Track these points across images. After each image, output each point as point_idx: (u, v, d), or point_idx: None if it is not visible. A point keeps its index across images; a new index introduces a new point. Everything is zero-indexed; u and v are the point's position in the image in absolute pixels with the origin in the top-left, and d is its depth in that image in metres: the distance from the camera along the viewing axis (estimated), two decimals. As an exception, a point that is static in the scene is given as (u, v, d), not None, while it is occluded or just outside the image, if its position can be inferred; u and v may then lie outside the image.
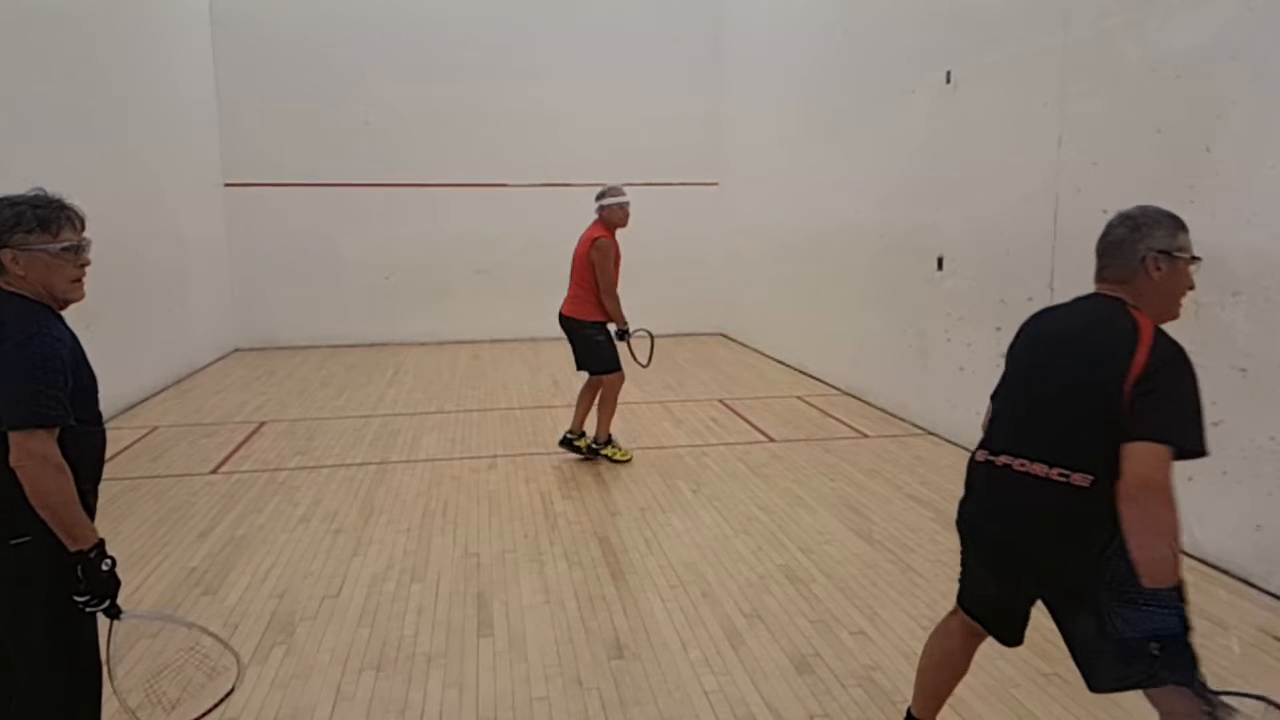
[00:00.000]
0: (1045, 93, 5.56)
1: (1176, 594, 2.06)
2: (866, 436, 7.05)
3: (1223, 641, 3.68)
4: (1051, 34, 5.49)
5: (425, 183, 12.02)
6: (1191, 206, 4.46)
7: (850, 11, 8.50)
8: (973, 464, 2.51)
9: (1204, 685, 2.10)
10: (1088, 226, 4.88)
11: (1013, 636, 2.58)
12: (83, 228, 2.34)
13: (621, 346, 6.24)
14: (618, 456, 6.28)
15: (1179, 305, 2.38)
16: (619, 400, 6.37)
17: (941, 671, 2.73)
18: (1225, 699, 2.08)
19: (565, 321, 6.27)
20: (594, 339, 6.17)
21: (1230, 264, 4.25)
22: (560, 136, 12.14)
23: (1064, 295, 5.65)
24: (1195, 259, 2.36)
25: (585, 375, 6.39)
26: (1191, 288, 2.39)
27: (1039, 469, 2.27)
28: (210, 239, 10.99)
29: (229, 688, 2.61)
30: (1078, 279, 5.31)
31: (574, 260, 6.21)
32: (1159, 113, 4.68)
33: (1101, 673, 2.25)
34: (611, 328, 6.18)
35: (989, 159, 6.22)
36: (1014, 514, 2.35)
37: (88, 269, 2.35)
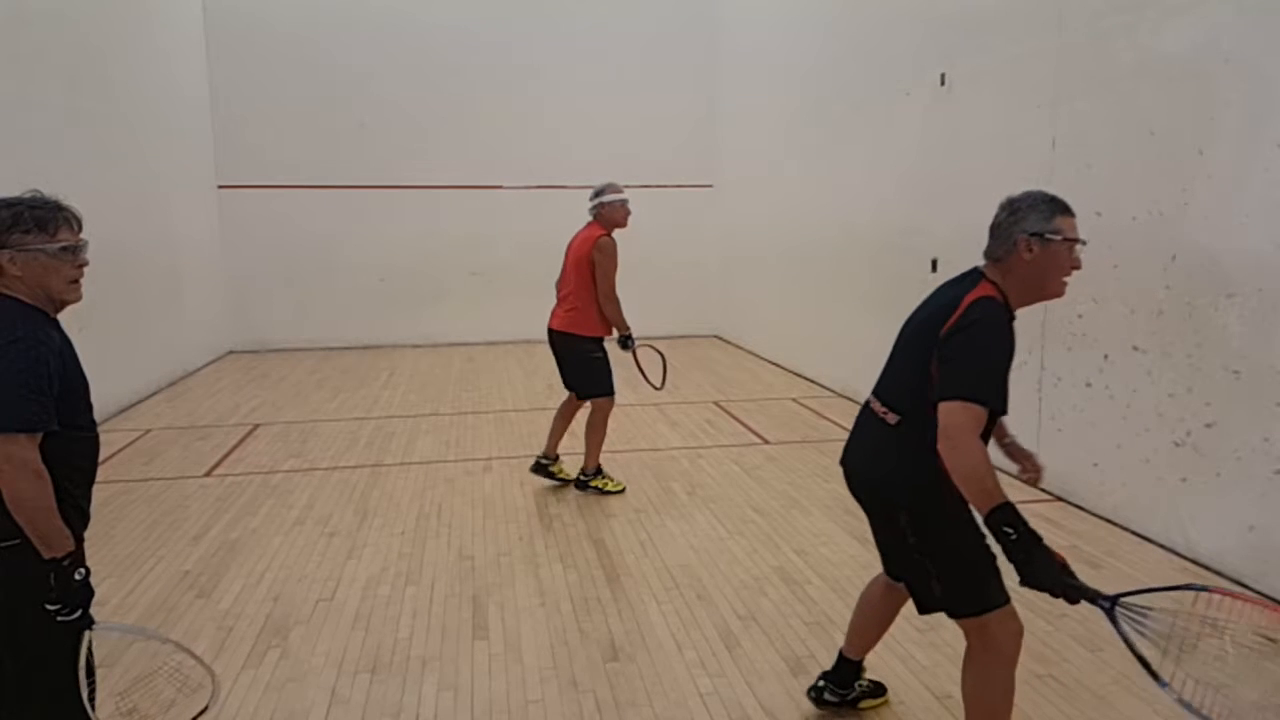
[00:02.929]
0: (1039, 95, 5.57)
1: (1008, 513, 2.27)
2: (861, 438, 7.04)
3: (1216, 642, 3.68)
4: (1045, 36, 5.50)
5: (420, 185, 12.01)
6: (1185, 209, 4.49)
7: (845, 14, 8.51)
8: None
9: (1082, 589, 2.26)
10: (1081, 228, 4.91)
11: (888, 567, 2.95)
12: (80, 229, 2.33)
13: (629, 363, 5.71)
14: (609, 488, 5.64)
15: (1059, 284, 2.58)
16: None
17: (868, 621, 3.11)
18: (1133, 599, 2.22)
19: (558, 337, 5.65)
20: (591, 356, 5.59)
21: (1224, 266, 4.26)
22: (555, 139, 12.13)
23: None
24: (1072, 240, 2.53)
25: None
26: (1076, 267, 2.56)
27: (878, 406, 2.71)
28: (204, 241, 10.96)
29: (203, 705, 2.60)
30: (1071, 280, 5.32)
31: (568, 266, 5.62)
32: (1152, 115, 4.69)
33: (923, 597, 2.71)
34: (608, 342, 5.67)
35: (983, 161, 6.23)
36: (859, 441, 2.80)
37: (85, 270, 2.35)
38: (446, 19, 11.80)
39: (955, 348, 2.43)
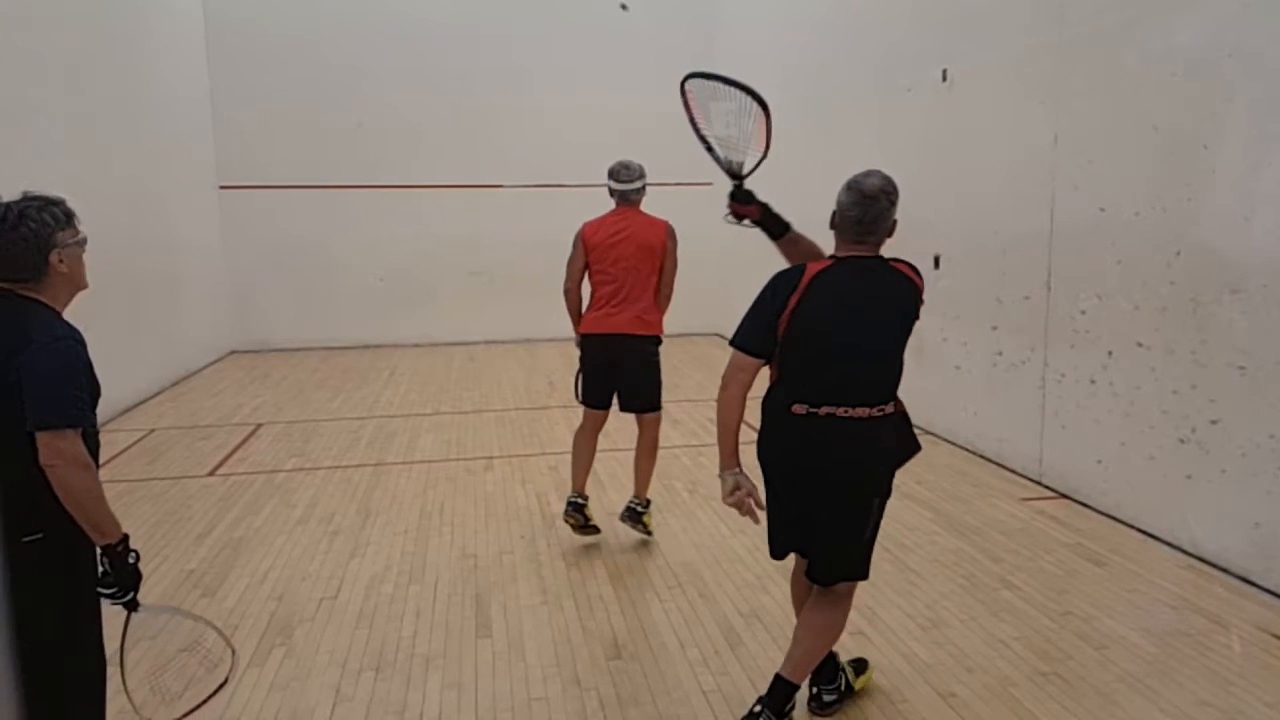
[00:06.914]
0: (1041, 91, 5.56)
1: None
2: (864, 436, 7.03)
3: (1222, 639, 3.68)
4: (1048, 32, 5.49)
5: (419, 184, 12.00)
6: (1189, 204, 4.47)
7: (846, 10, 8.50)
8: (789, 416, 2.83)
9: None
10: (1084, 225, 4.90)
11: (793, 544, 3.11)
12: None
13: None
14: (652, 529, 4.85)
15: None
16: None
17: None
18: None
19: (630, 342, 4.68)
20: (657, 360, 4.82)
21: (1228, 261, 4.25)
22: (554, 137, 12.09)
23: (1061, 294, 5.62)
24: None
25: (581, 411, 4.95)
26: None
27: (861, 411, 2.78)
28: (205, 241, 10.96)
29: (222, 679, 2.65)
30: (1074, 277, 5.33)
31: (633, 258, 4.68)
32: (1155, 110, 4.68)
33: (836, 567, 2.96)
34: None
35: (985, 157, 6.22)
36: (842, 449, 2.80)
37: None
38: (445, 18, 11.77)
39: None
